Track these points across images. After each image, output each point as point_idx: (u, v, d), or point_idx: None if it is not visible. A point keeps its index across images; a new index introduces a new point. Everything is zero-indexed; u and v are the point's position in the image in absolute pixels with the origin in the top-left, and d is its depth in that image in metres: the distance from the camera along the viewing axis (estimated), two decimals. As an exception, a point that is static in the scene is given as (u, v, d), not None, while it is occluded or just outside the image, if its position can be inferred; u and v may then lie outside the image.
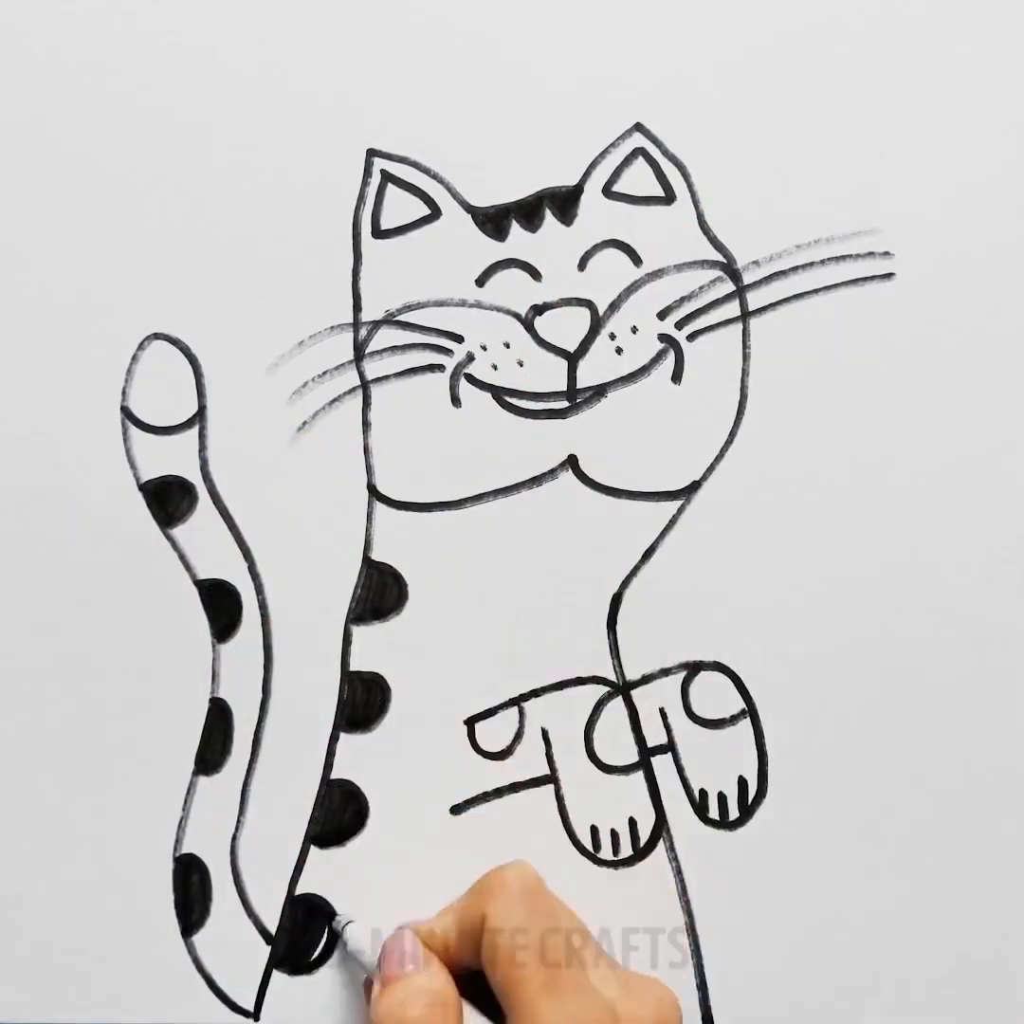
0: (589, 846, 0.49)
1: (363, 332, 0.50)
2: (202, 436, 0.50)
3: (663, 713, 0.50)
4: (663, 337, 0.50)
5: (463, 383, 0.50)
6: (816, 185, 0.50)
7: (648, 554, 0.50)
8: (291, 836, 0.50)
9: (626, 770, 0.50)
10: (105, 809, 0.50)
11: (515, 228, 0.50)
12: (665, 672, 0.50)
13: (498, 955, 0.44)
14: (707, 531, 0.50)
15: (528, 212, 0.50)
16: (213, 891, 0.50)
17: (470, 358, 0.50)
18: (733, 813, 0.50)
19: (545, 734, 0.50)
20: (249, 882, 0.50)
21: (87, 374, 0.50)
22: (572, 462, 0.50)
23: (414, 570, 0.50)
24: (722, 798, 0.50)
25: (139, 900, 0.50)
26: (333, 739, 0.50)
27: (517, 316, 0.50)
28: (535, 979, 0.44)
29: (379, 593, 0.50)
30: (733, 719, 0.50)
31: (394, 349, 0.50)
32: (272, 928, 0.50)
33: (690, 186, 0.50)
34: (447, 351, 0.50)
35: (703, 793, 0.50)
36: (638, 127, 0.50)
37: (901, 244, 0.50)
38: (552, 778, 0.50)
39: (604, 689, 0.50)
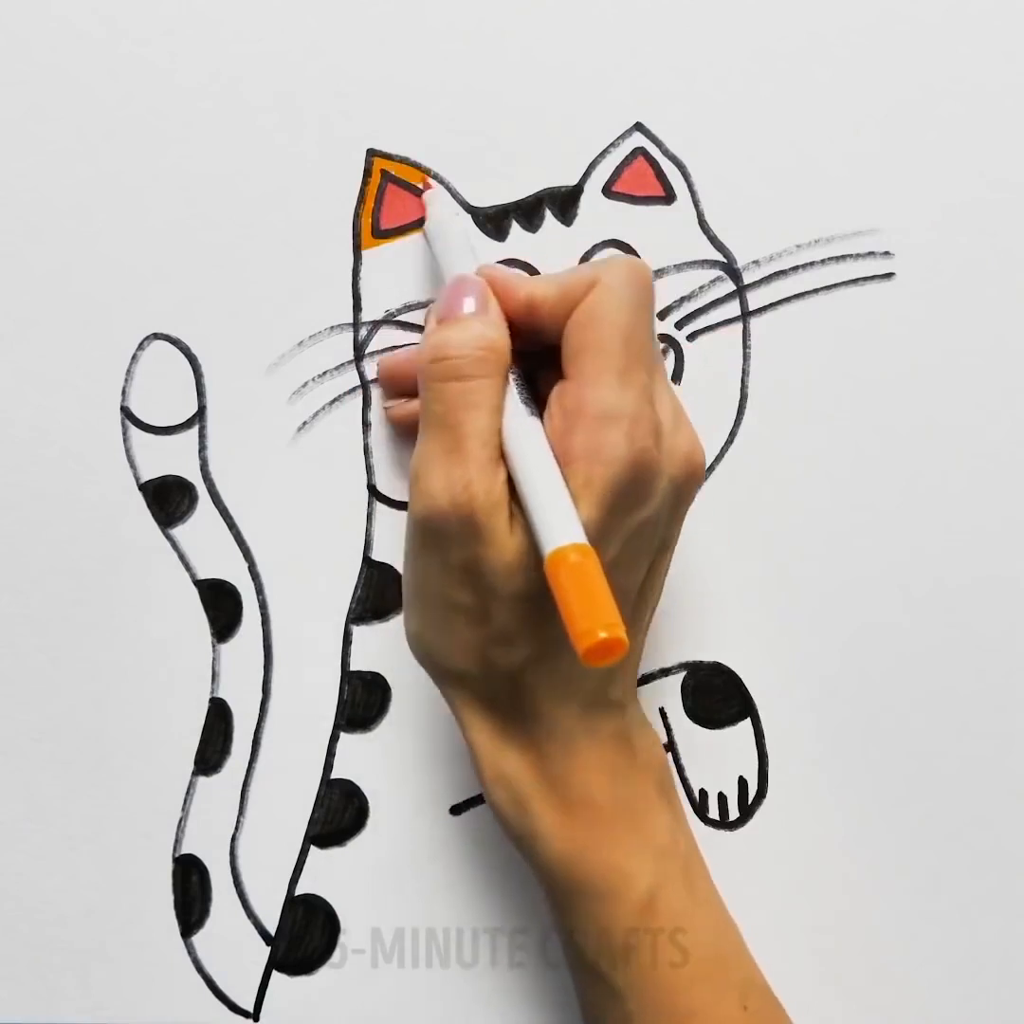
0: (589, 846, 0.49)
1: (363, 332, 0.50)
2: (202, 436, 0.50)
3: (663, 713, 0.50)
4: (663, 337, 0.50)
5: (463, 383, 0.50)
6: (816, 185, 0.50)
7: (648, 554, 0.50)
8: (291, 836, 0.50)
9: (626, 770, 0.50)
10: (105, 809, 0.50)
11: (515, 228, 0.50)
12: (665, 672, 0.50)
13: (595, 318, 0.42)
14: (707, 531, 0.50)
15: (528, 212, 0.50)
16: (213, 891, 0.50)
17: (470, 358, 0.50)
18: (733, 813, 0.50)
19: (545, 734, 0.50)
20: (249, 882, 0.50)
21: (87, 374, 0.50)
22: (572, 462, 0.50)
23: (414, 570, 0.50)
24: (722, 798, 0.50)
25: (139, 900, 0.50)
26: (333, 739, 0.50)
27: (517, 316, 0.50)
28: (615, 359, 0.42)
29: (379, 593, 0.50)
30: (733, 719, 0.50)
31: (394, 349, 0.50)
32: (272, 928, 0.50)
33: (690, 186, 0.50)
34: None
35: (703, 793, 0.50)
36: (638, 127, 0.50)
37: (901, 244, 0.50)
38: (552, 778, 0.50)
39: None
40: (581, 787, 0.43)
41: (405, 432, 0.49)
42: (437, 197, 0.49)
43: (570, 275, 0.44)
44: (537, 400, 0.43)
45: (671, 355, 0.50)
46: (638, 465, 0.41)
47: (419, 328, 0.50)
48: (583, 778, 0.43)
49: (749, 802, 0.50)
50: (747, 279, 0.50)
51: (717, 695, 0.50)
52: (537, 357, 0.44)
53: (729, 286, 0.50)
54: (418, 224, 0.50)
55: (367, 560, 0.50)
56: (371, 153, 0.50)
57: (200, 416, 0.50)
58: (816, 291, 0.50)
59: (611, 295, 0.43)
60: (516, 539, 0.41)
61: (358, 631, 0.50)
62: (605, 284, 0.43)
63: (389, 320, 0.50)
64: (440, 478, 0.41)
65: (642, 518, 0.42)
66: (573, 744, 0.43)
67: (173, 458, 0.50)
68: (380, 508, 0.50)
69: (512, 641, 0.42)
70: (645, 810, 0.44)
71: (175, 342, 0.50)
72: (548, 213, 0.50)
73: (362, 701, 0.50)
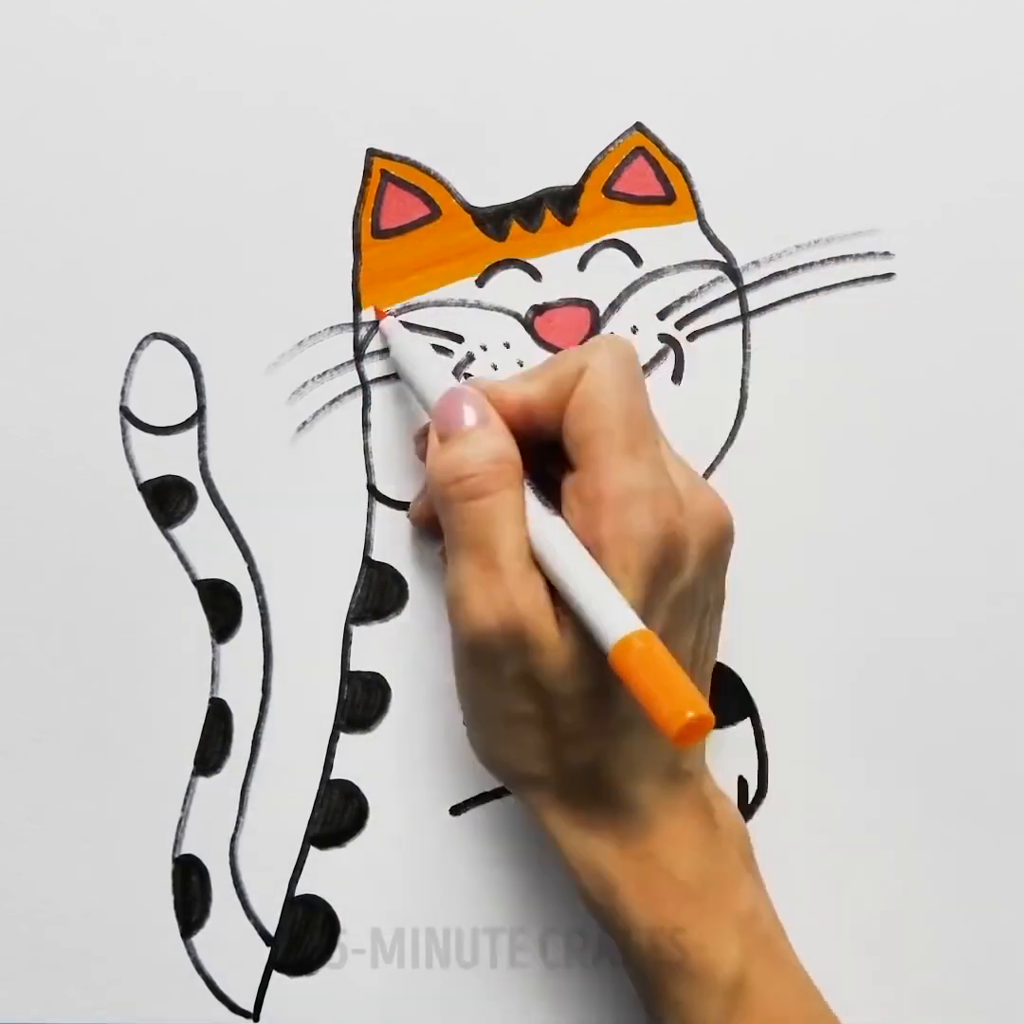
0: (589, 846, 0.49)
1: (363, 332, 0.50)
2: (202, 436, 0.50)
3: (663, 713, 0.50)
4: (663, 337, 0.50)
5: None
6: (816, 185, 0.50)
7: (648, 554, 0.50)
8: (291, 836, 0.50)
9: (626, 770, 0.50)
10: (105, 809, 0.50)
11: (515, 228, 0.50)
12: (665, 672, 0.50)
13: (592, 402, 0.42)
14: (707, 531, 0.50)
15: (528, 212, 0.50)
16: (213, 891, 0.50)
17: (470, 358, 0.50)
18: (733, 813, 0.49)
19: (545, 734, 0.50)
20: (249, 882, 0.50)
21: (87, 374, 0.50)
22: (572, 462, 0.50)
23: (414, 570, 0.50)
24: (722, 798, 0.50)
25: (139, 900, 0.50)
26: (333, 739, 0.50)
27: (517, 316, 0.50)
28: (620, 438, 0.42)
29: (379, 593, 0.50)
30: (733, 719, 0.50)
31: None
32: (272, 928, 0.50)
33: (690, 186, 0.50)
34: (447, 351, 0.50)
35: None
36: (638, 127, 0.50)
37: (901, 244, 0.50)
38: (552, 778, 0.50)
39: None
40: (667, 863, 0.43)
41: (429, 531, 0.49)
42: (394, 324, 0.49)
43: (556, 368, 0.44)
44: (551, 497, 0.43)
45: (671, 355, 0.50)
46: (667, 538, 0.42)
47: (419, 328, 0.50)
48: (668, 854, 0.43)
49: (749, 802, 0.50)
50: (747, 279, 0.50)
51: (717, 695, 0.49)
52: (538, 453, 0.44)
53: (729, 286, 0.50)
54: (418, 224, 0.50)
55: (367, 560, 0.50)
56: (371, 153, 0.50)
57: (200, 416, 0.50)
58: (816, 291, 0.50)
59: (601, 378, 0.43)
60: (568, 641, 0.41)
61: (358, 631, 0.50)
62: (593, 369, 0.43)
63: (389, 320, 0.50)
64: (481, 598, 0.41)
65: (680, 588, 0.43)
66: (654, 821, 0.43)
67: (173, 458, 0.50)
68: (380, 508, 0.50)
69: (581, 738, 0.43)
70: (731, 882, 0.44)
71: (175, 342, 0.50)
72: (548, 213, 0.50)
73: (362, 701, 0.50)
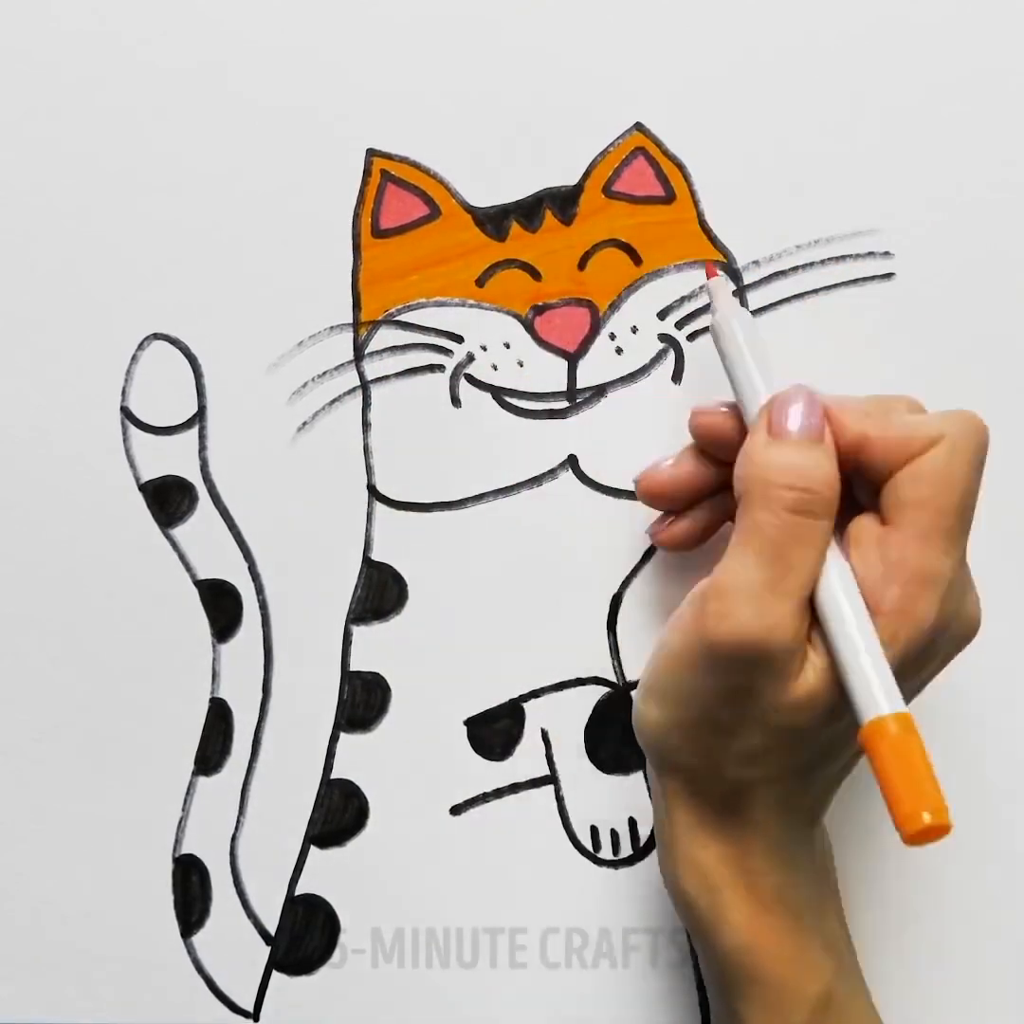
0: (589, 846, 0.49)
1: (363, 332, 0.50)
2: (202, 436, 0.50)
3: (663, 713, 0.50)
4: (663, 337, 0.50)
5: (463, 383, 0.50)
6: (816, 185, 0.50)
7: (648, 554, 0.50)
8: (291, 836, 0.50)
9: (626, 770, 0.50)
10: (105, 809, 0.50)
11: (515, 228, 0.50)
12: (665, 672, 0.50)
13: (942, 476, 0.42)
14: (707, 531, 0.50)
15: (528, 212, 0.50)
16: (213, 891, 0.50)
17: (470, 358, 0.50)
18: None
19: (545, 735, 0.50)
20: (249, 882, 0.50)
21: (87, 374, 0.50)
22: (572, 462, 0.50)
23: (414, 570, 0.50)
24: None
25: (139, 900, 0.50)
26: (333, 739, 0.50)
27: (517, 316, 0.50)
28: (951, 523, 0.42)
29: (379, 593, 0.50)
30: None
31: (394, 349, 0.50)
32: (272, 928, 0.50)
33: (690, 186, 0.50)
34: (447, 351, 0.50)
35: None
36: (638, 127, 0.50)
37: (901, 244, 0.50)
38: (552, 778, 0.50)
39: (604, 689, 0.50)
40: (778, 885, 0.43)
41: (674, 548, 0.48)
42: (724, 286, 0.48)
43: (912, 423, 0.43)
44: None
45: (671, 355, 0.50)
46: (938, 629, 0.42)
47: (419, 328, 0.50)
48: (781, 878, 0.43)
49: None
50: (747, 279, 0.50)
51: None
52: None
53: (729, 286, 0.50)
54: (418, 224, 0.50)
55: (367, 560, 0.50)
56: (371, 153, 0.50)
57: (200, 416, 0.50)
58: (816, 291, 0.50)
59: (957, 457, 0.42)
60: (805, 681, 0.41)
61: (358, 631, 0.50)
62: (951, 442, 0.42)
63: (389, 320, 0.50)
64: (753, 606, 0.41)
65: (923, 676, 0.43)
66: (780, 849, 0.43)
67: (173, 458, 0.50)
68: (380, 508, 0.50)
69: (754, 762, 0.42)
70: (826, 906, 0.45)
71: (175, 342, 0.50)
72: (548, 213, 0.50)
73: (362, 701, 0.50)
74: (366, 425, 0.50)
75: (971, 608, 0.44)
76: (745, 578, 0.41)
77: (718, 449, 0.46)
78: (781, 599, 0.41)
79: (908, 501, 0.42)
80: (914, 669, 0.42)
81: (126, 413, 0.50)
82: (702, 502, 0.47)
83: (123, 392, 0.50)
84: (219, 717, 0.50)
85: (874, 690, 0.40)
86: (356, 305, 0.50)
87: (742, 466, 0.43)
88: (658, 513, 0.48)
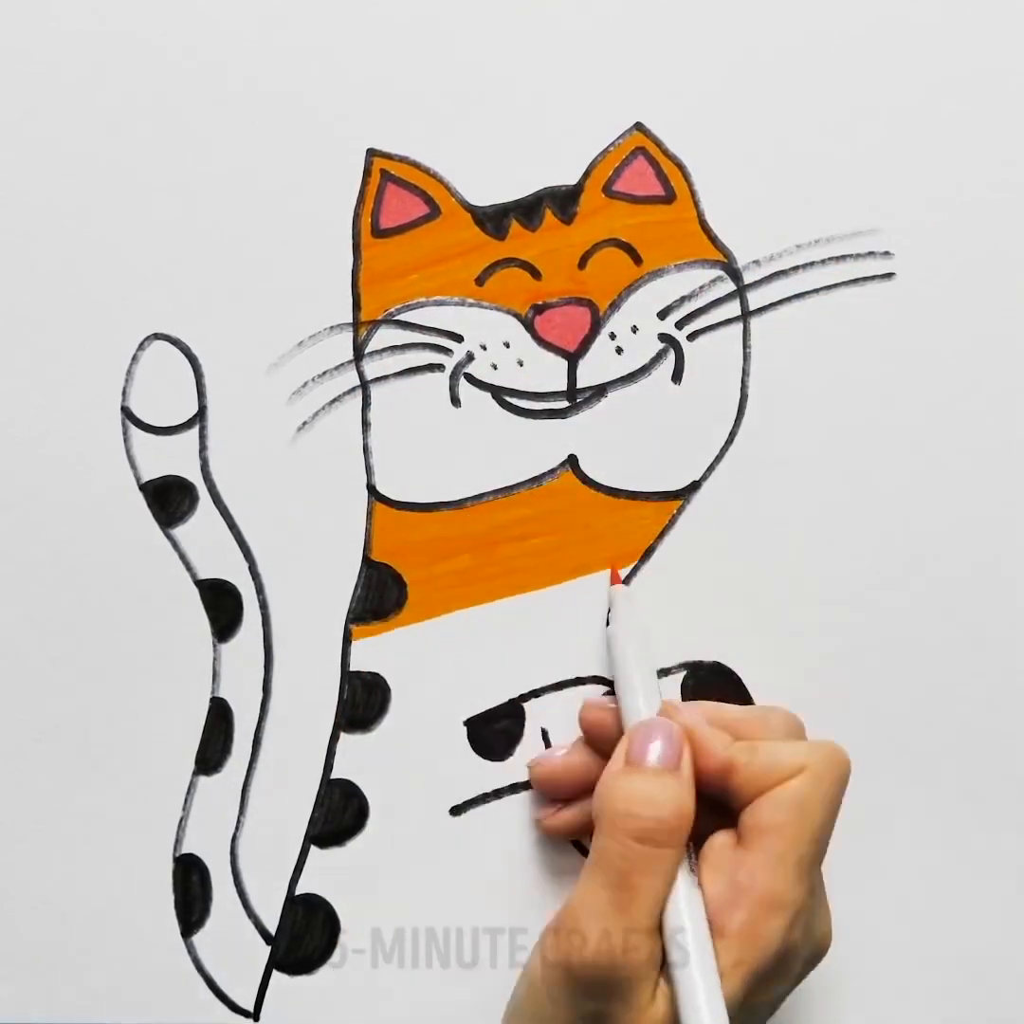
0: (589, 846, 0.49)
1: (363, 332, 0.50)
2: (202, 436, 0.50)
3: (663, 713, 0.50)
4: (663, 337, 0.50)
5: (463, 383, 0.50)
6: (816, 185, 0.50)
7: (648, 554, 0.50)
8: (291, 836, 0.50)
9: (626, 770, 0.50)
10: (105, 809, 0.50)
11: (515, 227, 0.50)
12: (665, 672, 0.50)
13: (799, 807, 0.43)
14: (707, 531, 0.50)
15: (528, 211, 0.50)
16: (213, 891, 0.50)
17: (470, 358, 0.50)
18: (733, 813, 0.49)
19: (545, 735, 0.50)
20: (249, 882, 0.50)
21: (87, 374, 0.50)
22: (572, 462, 0.50)
23: (414, 570, 0.50)
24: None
25: (139, 900, 0.50)
26: (333, 739, 0.50)
27: (517, 316, 0.50)
28: (803, 852, 0.43)
29: (379, 593, 0.50)
30: (733, 719, 0.50)
31: (394, 349, 0.50)
32: (272, 928, 0.50)
33: (690, 186, 0.50)
34: (447, 351, 0.50)
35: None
36: (638, 127, 0.50)
37: (901, 244, 0.50)
38: (552, 778, 0.50)
39: (604, 689, 0.50)
40: None
41: (559, 836, 0.49)
42: (623, 600, 0.49)
43: (777, 752, 0.44)
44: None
45: (671, 355, 0.50)
46: (785, 954, 0.42)
47: (418, 328, 0.50)
48: None
49: (749, 802, 0.49)
50: (747, 279, 0.50)
51: (717, 695, 0.49)
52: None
53: (729, 286, 0.50)
54: (418, 223, 0.50)
55: (367, 560, 0.50)
56: (371, 153, 0.50)
57: (200, 416, 0.50)
58: (816, 291, 0.50)
59: (818, 789, 0.43)
60: (656, 1008, 0.42)
61: (358, 631, 0.50)
62: (814, 775, 0.43)
63: (389, 320, 0.50)
64: (598, 931, 0.41)
65: (776, 995, 0.44)
66: None
67: (173, 458, 0.50)
68: (380, 508, 0.50)
69: None
70: None
71: (175, 342, 0.50)
72: (548, 212, 0.50)
73: (362, 701, 0.50)
74: (366, 425, 0.50)
75: (822, 928, 0.45)
76: (594, 904, 0.42)
77: (604, 745, 0.47)
78: (628, 923, 0.42)
79: (765, 827, 0.43)
80: (763, 989, 0.43)
81: (126, 413, 0.50)
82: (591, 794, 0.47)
83: (123, 392, 0.50)
84: (219, 717, 0.50)
85: (703, 1015, 0.41)
86: (356, 305, 0.50)
87: (598, 793, 0.44)
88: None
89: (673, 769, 0.43)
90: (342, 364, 0.50)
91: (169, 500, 0.50)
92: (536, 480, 0.50)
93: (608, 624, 0.48)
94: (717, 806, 0.44)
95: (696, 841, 0.44)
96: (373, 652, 0.50)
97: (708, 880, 0.43)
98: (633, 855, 0.42)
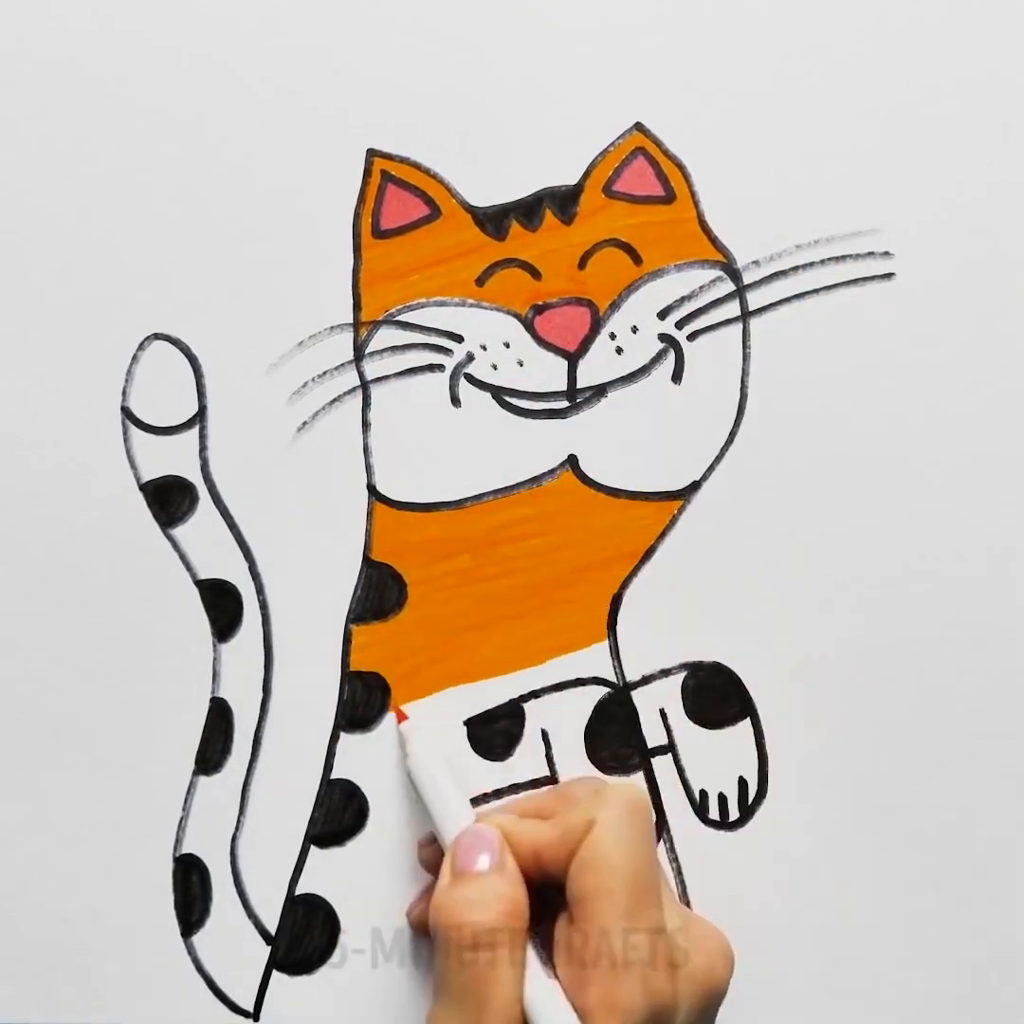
0: (589, 846, 0.49)
1: (363, 332, 0.50)
2: (202, 436, 0.50)
3: (663, 713, 0.50)
4: (663, 337, 0.50)
5: (463, 383, 0.50)
6: (816, 185, 0.50)
7: (648, 554, 0.50)
8: (291, 836, 0.50)
9: (626, 770, 0.50)
10: (105, 809, 0.50)
11: (515, 228, 0.50)
12: (665, 672, 0.50)
13: (597, 861, 0.42)
14: (707, 531, 0.50)
15: (528, 212, 0.50)
16: (213, 891, 0.50)
17: (470, 358, 0.50)
18: (733, 813, 0.49)
19: (545, 735, 0.50)
20: (249, 882, 0.50)
21: (87, 374, 0.50)
22: (572, 462, 0.50)
23: (414, 570, 0.50)
24: (722, 799, 0.50)
25: (139, 900, 0.50)
26: (333, 739, 0.50)
27: (517, 316, 0.50)
28: (622, 901, 0.42)
29: (379, 593, 0.50)
30: (733, 719, 0.50)
31: (394, 349, 0.50)
32: (272, 928, 0.50)
33: (690, 186, 0.50)
34: (447, 351, 0.50)
35: (703, 794, 0.50)
36: (638, 127, 0.50)
37: (901, 244, 0.50)
38: (552, 779, 0.50)
39: (604, 690, 0.50)
40: None
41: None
42: (413, 731, 0.49)
43: (567, 816, 0.44)
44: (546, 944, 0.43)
45: (671, 355, 0.50)
46: (656, 1010, 0.41)
47: (419, 328, 0.50)
48: None
49: (749, 802, 0.49)
50: (747, 279, 0.50)
51: (717, 695, 0.50)
52: (548, 895, 0.44)
53: (729, 286, 0.50)
54: (418, 224, 0.50)
55: (367, 560, 0.50)
56: (371, 153, 0.50)
57: (200, 416, 0.50)
58: (816, 291, 0.50)
59: (610, 835, 0.43)
60: None
61: (358, 631, 0.50)
62: (603, 823, 0.43)
63: (389, 320, 0.50)
64: None
65: None
66: None
67: (174, 458, 0.50)
68: (380, 508, 0.50)
69: None
70: None
71: (175, 342, 0.50)
72: (548, 212, 0.50)
73: (362, 701, 0.50)
74: (366, 425, 0.50)
75: (701, 965, 0.43)
76: None
77: None
78: None
79: (580, 894, 0.42)
80: None
81: (126, 413, 0.50)
82: None
83: (123, 392, 0.50)
84: (219, 717, 0.50)
85: None
86: (356, 305, 0.50)
87: (429, 915, 0.44)
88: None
89: (498, 869, 0.43)
90: (342, 364, 0.50)
91: (169, 500, 0.50)
92: (536, 480, 0.50)
93: (406, 757, 0.49)
94: (539, 888, 0.44)
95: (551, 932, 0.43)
96: (373, 652, 0.50)
97: (560, 964, 0.42)
98: (468, 965, 0.41)
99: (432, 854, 0.48)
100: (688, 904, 0.49)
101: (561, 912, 0.43)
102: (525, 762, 0.50)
